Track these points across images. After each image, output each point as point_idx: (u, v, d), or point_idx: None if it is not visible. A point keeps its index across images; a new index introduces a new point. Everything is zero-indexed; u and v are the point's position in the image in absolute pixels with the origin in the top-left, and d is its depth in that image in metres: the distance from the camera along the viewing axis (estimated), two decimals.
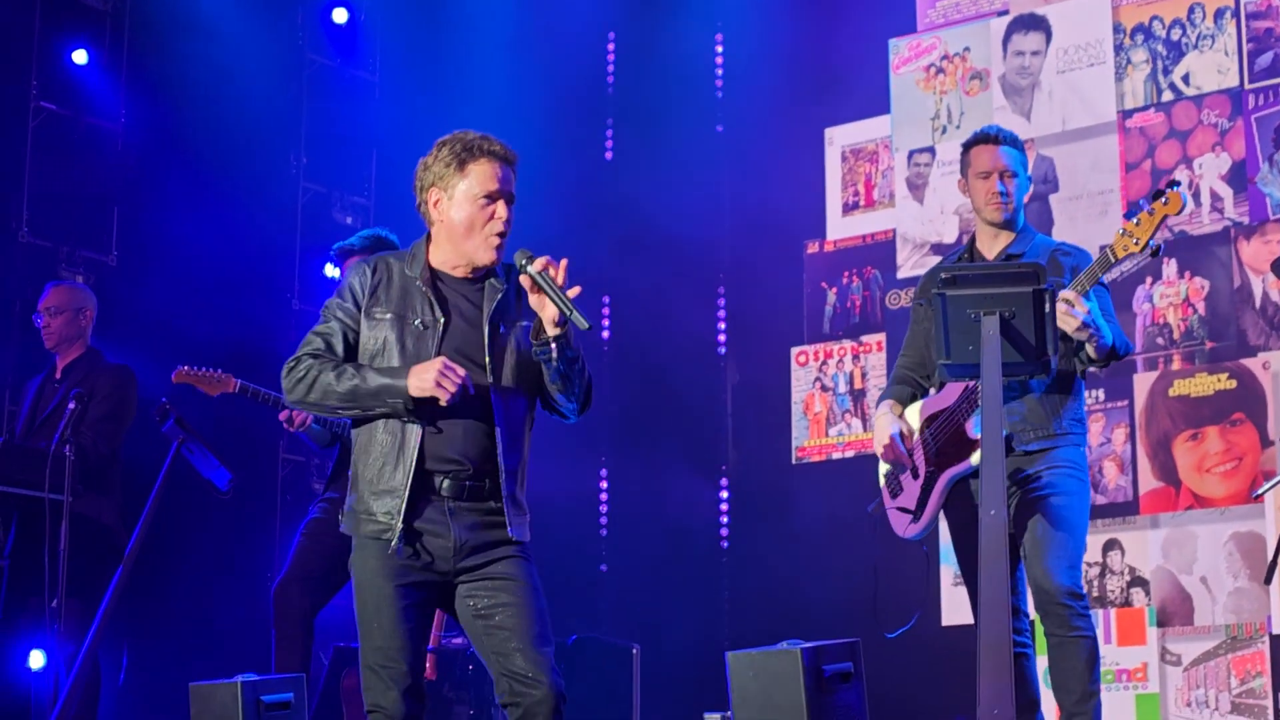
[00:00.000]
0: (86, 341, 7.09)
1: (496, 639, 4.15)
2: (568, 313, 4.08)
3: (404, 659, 4.16)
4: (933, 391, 5.25)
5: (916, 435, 5.20)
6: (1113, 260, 4.84)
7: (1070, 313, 4.72)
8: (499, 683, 4.16)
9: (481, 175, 4.21)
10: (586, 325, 4.07)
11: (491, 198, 4.20)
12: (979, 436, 4.52)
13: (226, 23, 8.56)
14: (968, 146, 5.27)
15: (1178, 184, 4.84)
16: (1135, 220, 4.82)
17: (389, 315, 4.25)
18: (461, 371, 4.10)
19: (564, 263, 4.14)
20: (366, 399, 4.18)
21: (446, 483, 4.17)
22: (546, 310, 4.13)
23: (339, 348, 4.27)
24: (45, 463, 6.27)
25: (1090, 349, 4.86)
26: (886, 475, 5.38)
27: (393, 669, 4.15)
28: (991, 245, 5.22)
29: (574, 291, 4.11)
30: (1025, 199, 5.24)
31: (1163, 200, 4.80)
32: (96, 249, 8.37)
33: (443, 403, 4.09)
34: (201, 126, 8.58)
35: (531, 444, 4.34)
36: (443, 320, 4.22)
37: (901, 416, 5.25)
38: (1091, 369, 5.04)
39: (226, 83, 8.57)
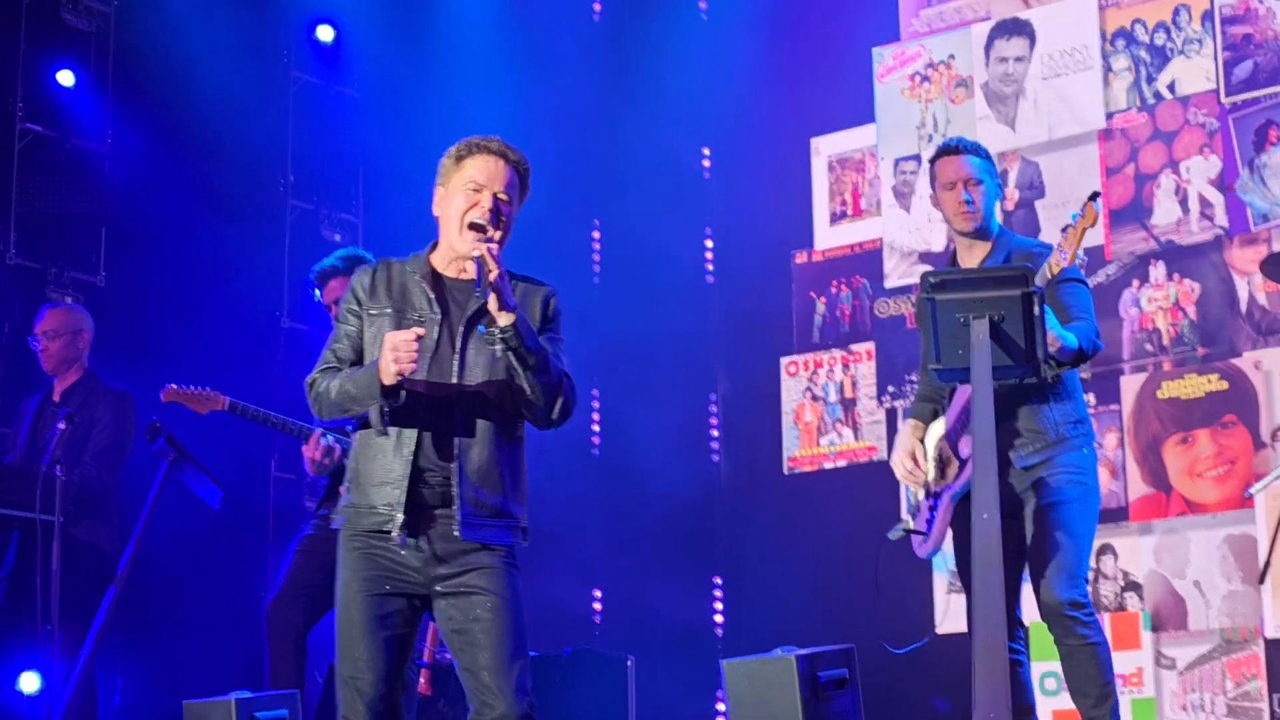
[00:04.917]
0: (84, 364, 7.09)
1: (467, 655, 4.10)
2: (484, 288, 3.99)
3: (371, 671, 4.10)
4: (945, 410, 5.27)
5: (931, 454, 5.23)
6: (1050, 275, 4.81)
7: None
8: (469, 697, 4.12)
9: (475, 166, 4.21)
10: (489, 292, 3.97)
11: (478, 188, 4.19)
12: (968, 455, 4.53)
13: (211, 42, 8.55)
14: (932, 161, 5.32)
15: (1098, 194, 4.81)
16: (1065, 235, 4.81)
17: (388, 310, 4.23)
18: (409, 335, 4.02)
19: (489, 246, 4.05)
20: (356, 398, 4.14)
21: (426, 490, 4.12)
22: (490, 298, 4.04)
23: (347, 356, 4.27)
24: (37, 484, 6.26)
25: (1054, 353, 4.86)
26: (911, 496, 5.39)
27: (360, 681, 4.10)
28: (968, 257, 5.25)
29: (493, 273, 4.00)
30: (1001, 206, 5.26)
31: (1082, 213, 4.78)
32: (85, 270, 8.36)
33: (407, 372, 4.02)
34: (188, 146, 8.57)
35: (525, 447, 4.28)
36: (439, 315, 4.18)
37: (922, 437, 5.28)
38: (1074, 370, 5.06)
39: (212, 102, 8.56)
